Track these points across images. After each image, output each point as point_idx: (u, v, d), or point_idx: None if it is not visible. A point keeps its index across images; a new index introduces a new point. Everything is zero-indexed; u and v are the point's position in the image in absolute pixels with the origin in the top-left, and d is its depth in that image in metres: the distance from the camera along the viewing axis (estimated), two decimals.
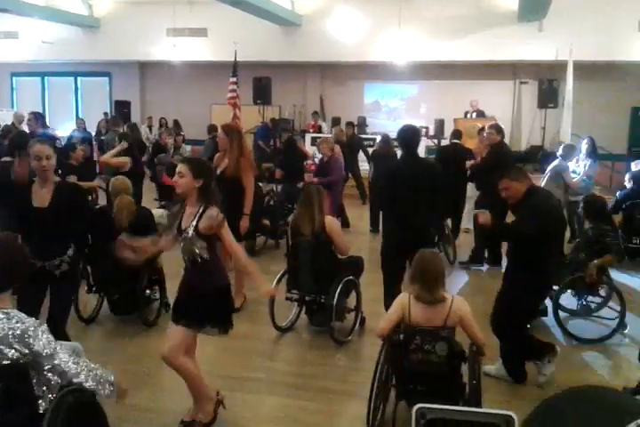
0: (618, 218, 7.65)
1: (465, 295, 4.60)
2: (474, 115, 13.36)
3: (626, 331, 5.15)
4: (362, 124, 13.66)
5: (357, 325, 5.11)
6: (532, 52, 13.44)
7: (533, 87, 14.35)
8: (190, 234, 3.30)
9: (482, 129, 8.22)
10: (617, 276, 7.15)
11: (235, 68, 13.35)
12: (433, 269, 3.52)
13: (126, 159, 7.24)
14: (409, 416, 3.71)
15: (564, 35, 12.55)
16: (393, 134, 12.68)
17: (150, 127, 15.73)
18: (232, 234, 3.44)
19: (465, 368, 3.45)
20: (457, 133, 8.54)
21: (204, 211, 3.32)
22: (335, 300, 4.75)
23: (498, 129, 7.26)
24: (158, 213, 5.97)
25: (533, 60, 13.89)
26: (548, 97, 13.05)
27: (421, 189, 4.83)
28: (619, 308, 5.07)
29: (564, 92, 12.49)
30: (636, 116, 14.91)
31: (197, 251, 3.32)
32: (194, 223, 3.30)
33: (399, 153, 9.62)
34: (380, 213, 8.57)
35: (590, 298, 5.32)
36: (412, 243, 4.54)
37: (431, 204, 4.90)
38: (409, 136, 5.11)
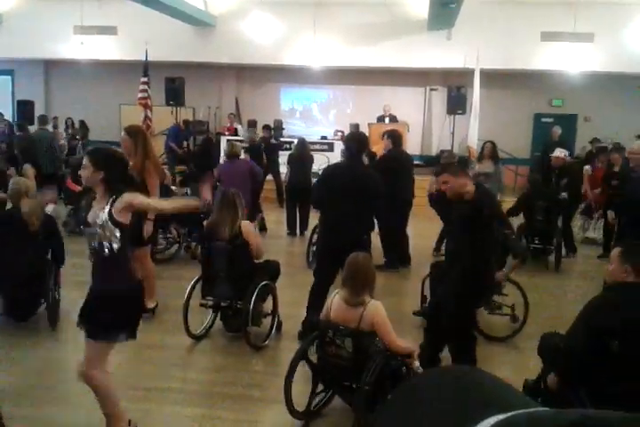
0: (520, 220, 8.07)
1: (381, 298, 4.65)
2: (386, 120, 13.62)
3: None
4: (278, 127, 13.63)
5: (274, 329, 5.06)
6: (441, 60, 13.89)
7: (443, 94, 14.82)
8: (103, 219, 3.09)
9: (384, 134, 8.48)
10: (520, 274, 7.54)
11: (146, 67, 12.96)
12: (363, 273, 3.60)
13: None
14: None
15: (471, 43, 13.02)
16: (309, 138, 12.92)
17: (56, 128, 15.00)
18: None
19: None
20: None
21: (114, 202, 3.12)
22: (251, 305, 4.69)
23: (389, 135, 7.46)
24: (49, 209, 5.74)
25: (443, 68, 14.36)
26: (457, 104, 13.51)
27: (355, 195, 4.88)
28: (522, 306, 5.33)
29: (472, 99, 12.98)
30: (538, 123, 15.73)
31: (108, 240, 3.11)
32: (106, 209, 3.10)
33: (316, 157, 9.88)
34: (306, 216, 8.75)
35: (495, 297, 5.52)
36: (345, 249, 4.57)
37: (366, 211, 4.98)
38: (354, 143, 5.18)
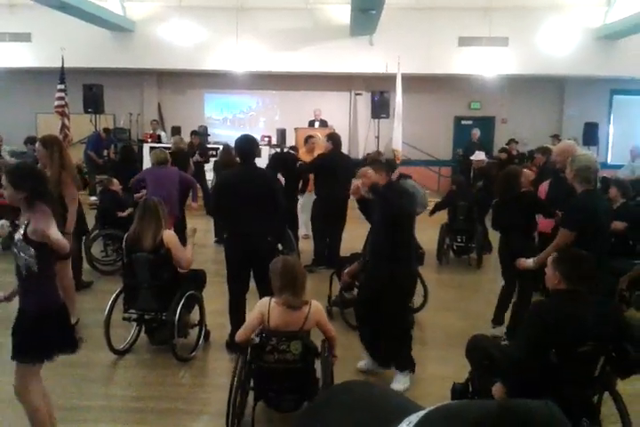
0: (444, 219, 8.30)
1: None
2: (316, 124, 13.70)
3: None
4: (204, 133, 13.44)
5: (202, 339, 4.98)
6: (364, 65, 14.10)
7: (367, 98, 15.05)
8: (17, 239, 3.07)
9: (309, 137, 8.57)
10: (442, 271, 7.74)
11: (62, 74, 12.53)
12: (300, 276, 3.63)
13: None
14: (266, 417, 3.77)
15: (392, 49, 13.30)
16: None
17: None
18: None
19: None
20: (294, 147, 8.78)
21: (29, 223, 3.08)
22: (177, 316, 4.59)
23: (329, 137, 7.60)
24: None
25: (366, 73, 14.58)
26: (381, 108, 13.74)
27: (257, 198, 4.84)
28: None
29: (395, 104, 13.23)
30: (458, 125, 16.22)
31: (25, 260, 3.05)
32: (21, 230, 3.07)
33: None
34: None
35: None
36: (252, 253, 4.55)
37: (270, 213, 4.93)
38: (244, 146, 5.10)
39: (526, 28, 13.58)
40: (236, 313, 4.88)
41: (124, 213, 7.32)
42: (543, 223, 5.69)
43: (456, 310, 6.25)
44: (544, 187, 5.97)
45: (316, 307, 3.65)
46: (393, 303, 4.30)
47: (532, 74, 14.32)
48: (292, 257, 3.91)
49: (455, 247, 8.24)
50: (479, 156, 8.92)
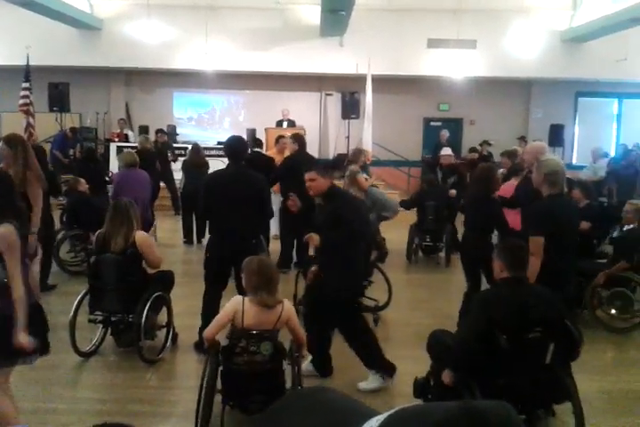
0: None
1: None
2: (285, 124, 13.68)
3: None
4: (172, 132, 13.32)
5: (169, 341, 4.92)
6: (334, 66, 14.13)
7: (338, 99, 15.09)
8: None
9: (280, 137, 8.54)
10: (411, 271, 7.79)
11: (27, 73, 12.29)
12: (275, 275, 3.63)
13: None
14: (234, 418, 3.74)
15: (362, 50, 13.37)
16: (205, 144, 12.72)
17: None
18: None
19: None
20: (258, 142, 8.72)
21: None
22: (143, 318, 4.53)
23: (294, 138, 7.56)
24: None
25: (336, 74, 14.62)
26: (351, 108, 13.81)
27: (244, 199, 4.83)
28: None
29: (365, 104, 13.30)
30: (427, 126, 16.37)
31: None
32: None
33: (213, 162, 9.73)
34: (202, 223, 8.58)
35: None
36: (237, 253, 4.51)
37: (255, 215, 4.94)
38: (236, 146, 5.12)
39: (494, 30, 13.77)
40: (211, 312, 4.83)
41: None
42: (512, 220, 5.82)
43: (425, 309, 6.30)
44: (509, 186, 6.06)
45: (289, 307, 3.65)
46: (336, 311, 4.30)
47: (500, 76, 14.53)
48: (264, 257, 3.87)
49: (424, 247, 8.31)
50: (447, 151, 8.99)
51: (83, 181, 7.62)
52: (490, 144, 14.29)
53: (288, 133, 9.59)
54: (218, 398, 3.56)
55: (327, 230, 4.24)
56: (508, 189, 6.12)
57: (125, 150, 7.81)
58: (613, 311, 5.75)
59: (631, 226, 6.05)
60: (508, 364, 3.21)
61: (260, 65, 14.02)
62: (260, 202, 4.95)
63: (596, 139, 15.43)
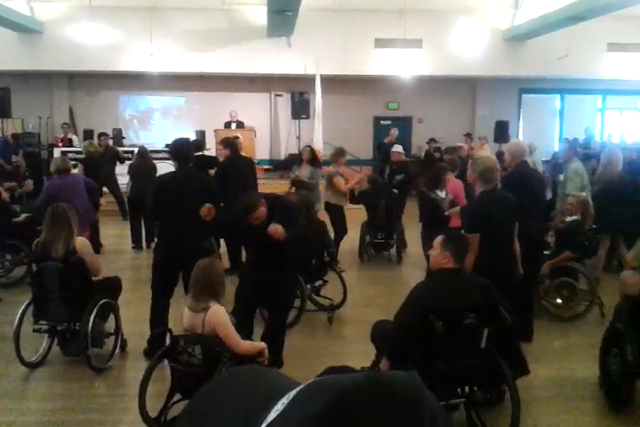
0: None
1: None
2: (233, 126, 13.59)
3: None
4: (118, 136, 13.06)
5: (118, 349, 4.83)
6: (283, 66, 14.11)
7: (287, 99, 15.09)
8: None
9: (234, 138, 8.47)
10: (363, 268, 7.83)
11: None
12: (201, 279, 3.59)
13: None
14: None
15: (310, 50, 13.39)
16: (153, 147, 12.54)
17: None
18: None
19: None
20: (200, 145, 8.66)
21: None
22: (90, 326, 4.44)
23: (225, 143, 7.55)
24: None
25: (285, 74, 14.61)
26: (301, 108, 13.82)
27: (193, 202, 4.78)
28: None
29: (315, 104, 13.33)
30: (377, 125, 16.53)
31: None
32: None
33: (161, 166, 9.59)
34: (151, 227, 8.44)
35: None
36: (186, 258, 4.45)
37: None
38: (182, 148, 5.07)
39: (439, 30, 14.00)
40: (159, 318, 4.79)
41: (20, 219, 6.97)
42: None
43: (377, 306, 6.35)
44: (452, 183, 6.20)
45: (214, 313, 3.55)
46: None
47: (446, 75, 14.77)
48: (208, 260, 3.80)
49: (375, 244, 8.37)
50: (397, 148, 9.08)
51: (1, 189, 7.31)
52: (436, 142, 14.52)
53: (236, 135, 9.55)
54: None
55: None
56: (452, 185, 6.25)
57: (59, 156, 7.60)
58: (559, 301, 5.91)
59: (574, 217, 6.22)
60: (445, 349, 3.33)
61: (206, 66, 13.88)
62: (210, 203, 4.89)
63: (540, 134, 15.87)
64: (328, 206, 7.98)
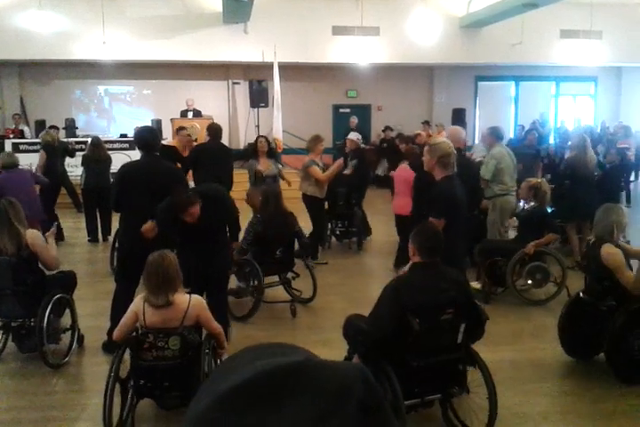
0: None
1: None
2: (190, 114, 13.37)
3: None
4: (71, 126, 12.71)
5: (75, 344, 4.73)
6: (240, 54, 13.93)
7: (245, 87, 14.93)
8: None
9: (179, 128, 8.38)
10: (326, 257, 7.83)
11: None
12: (159, 273, 3.47)
13: None
14: (152, 414, 3.72)
15: (268, 37, 13.25)
16: (108, 137, 12.26)
17: None
18: None
19: None
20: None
21: None
22: (45, 321, 4.33)
23: (208, 128, 7.47)
24: None
25: (243, 62, 14.44)
26: (259, 97, 13.69)
27: (162, 192, 4.63)
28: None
29: (273, 92, 13.22)
30: (337, 113, 16.51)
31: None
32: None
33: (116, 156, 9.39)
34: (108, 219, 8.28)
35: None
36: (153, 248, 4.35)
37: None
38: (147, 136, 4.96)
39: (395, 17, 14.01)
40: (121, 311, 4.68)
41: None
42: (399, 205, 6.02)
43: (339, 294, 6.38)
44: (401, 169, 6.27)
45: (196, 302, 3.56)
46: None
47: (403, 62, 14.82)
48: (160, 253, 3.62)
49: (338, 232, 8.39)
50: (352, 135, 9.02)
51: None
52: (392, 129, 14.59)
53: (196, 124, 9.39)
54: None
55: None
56: (400, 171, 6.32)
57: (6, 151, 7.39)
58: (530, 282, 6.01)
59: (532, 204, 6.34)
60: (421, 345, 3.28)
61: (161, 54, 13.59)
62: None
63: (496, 121, 16.03)
64: (304, 198, 7.57)
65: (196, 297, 3.62)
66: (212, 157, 7.17)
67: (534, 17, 13.05)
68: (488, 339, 4.12)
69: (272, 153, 7.86)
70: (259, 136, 8.02)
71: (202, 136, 8.44)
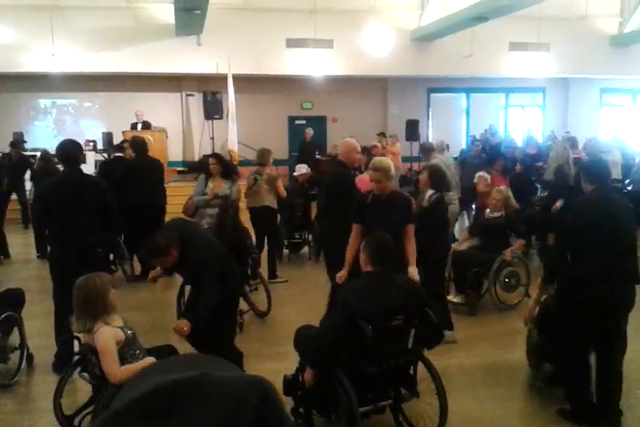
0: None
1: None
2: (139, 126, 13.20)
3: None
4: (19, 140, 12.38)
5: (24, 364, 4.59)
6: (193, 66, 13.85)
7: (199, 99, 14.83)
8: None
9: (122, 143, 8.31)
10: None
11: None
12: (79, 297, 3.33)
13: None
14: None
15: (221, 49, 13.22)
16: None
17: None
18: None
19: None
20: (119, 147, 8.38)
21: None
22: None
23: (130, 143, 7.50)
24: None
25: (196, 73, 14.36)
26: (214, 109, 13.60)
27: (83, 205, 4.60)
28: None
29: (228, 104, 13.18)
30: (292, 125, 16.56)
31: None
32: None
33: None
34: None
35: None
36: (81, 265, 4.25)
37: (98, 220, 4.69)
38: (70, 150, 4.83)
39: (349, 30, 14.17)
40: (64, 331, 4.56)
41: None
42: None
43: (293, 304, 6.39)
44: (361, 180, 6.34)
45: (98, 336, 3.28)
46: None
47: (357, 75, 14.98)
48: (88, 277, 3.42)
49: (292, 244, 8.39)
50: (301, 169, 8.64)
51: None
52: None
53: (148, 136, 9.30)
54: None
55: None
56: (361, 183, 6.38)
57: None
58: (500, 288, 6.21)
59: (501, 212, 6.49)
60: (373, 352, 3.31)
61: (112, 66, 13.39)
62: (103, 208, 4.72)
63: (448, 132, 16.40)
64: (267, 212, 7.26)
65: (103, 330, 3.28)
66: (141, 174, 7.10)
67: (484, 30, 13.38)
68: (442, 346, 4.18)
69: (229, 173, 6.74)
70: (208, 156, 7.06)
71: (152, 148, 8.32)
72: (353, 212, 4.62)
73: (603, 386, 3.78)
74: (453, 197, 6.95)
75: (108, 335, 3.29)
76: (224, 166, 6.61)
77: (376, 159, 4.73)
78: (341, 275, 4.51)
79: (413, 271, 4.44)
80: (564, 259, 3.80)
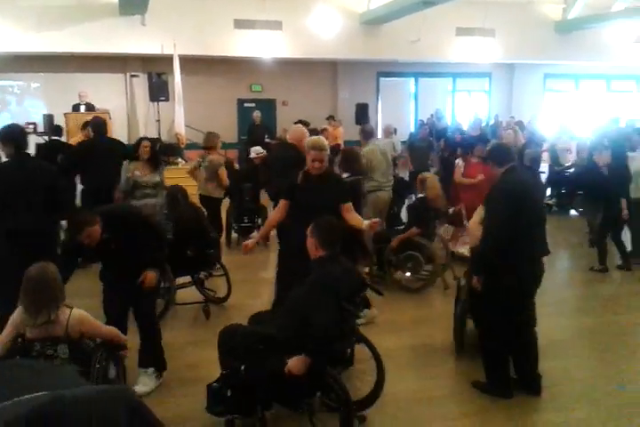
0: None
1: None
2: (82, 108, 12.78)
3: None
4: None
5: None
6: (137, 46, 13.45)
7: (144, 80, 14.46)
8: None
9: (86, 124, 8.04)
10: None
11: None
12: (41, 289, 3.22)
13: None
14: None
15: (167, 30, 12.89)
16: None
17: None
18: None
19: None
20: (58, 129, 8.11)
21: None
22: None
23: (90, 124, 7.35)
24: None
25: (141, 54, 13.98)
26: (159, 90, 13.28)
27: (33, 190, 4.48)
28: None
29: (174, 86, 12.90)
30: (241, 107, 16.36)
31: None
32: None
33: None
34: None
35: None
36: (27, 253, 4.08)
37: (50, 209, 4.57)
38: (15, 135, 4.70)
39: (298, 12, 14.02)
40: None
41: None
42: None
43: (250, 291, 6.35)
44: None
45: (77, 317, 3.31)
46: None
47: (305, 57, 14.87)
48: (40, 266, 3.31)
49: (242, 228, 8.31)
50: (253, 153, 8.42)
51: None
52: (308, 124, 14.59)
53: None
54: None
55: None
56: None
57: None
58: (408, 274, 6.31)
59: (420, 195, 6.55)
60: (342, 331, 3.32)
61: (54, 45, 12.86)
62: (51, 194, 4.58)
63: (397, 116, 16.52)
64: (207, 200, 7.34)
65: (76, 312, 3.35)
66: (102, 155, 6.89)
67: (432, 15, 13.44)
68: (381, 326, 4.24)
69: (156, 162, 6.46)
70: (142, 139, 6.65)
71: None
72: (285, 189, 4.40)
73: (522, 357, 4.07)
74: (386, 183, 6.99)
75: (82, 312, 3.37)
76: (153, 152, 6.41)
77: (314, 138, 4.42)
78: (251, 242, 4.46)
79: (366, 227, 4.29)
80: (502, 243, 3.77)
